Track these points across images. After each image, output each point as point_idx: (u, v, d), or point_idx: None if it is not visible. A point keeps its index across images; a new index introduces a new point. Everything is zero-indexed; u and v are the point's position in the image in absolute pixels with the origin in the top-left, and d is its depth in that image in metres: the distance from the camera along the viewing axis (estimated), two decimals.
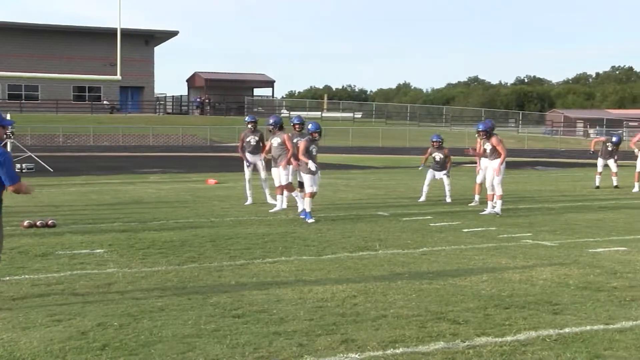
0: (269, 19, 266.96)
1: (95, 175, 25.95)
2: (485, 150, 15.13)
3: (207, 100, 67.72)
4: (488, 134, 14.94)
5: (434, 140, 17.45)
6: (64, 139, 47.92)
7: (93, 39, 61.50)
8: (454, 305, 7.15)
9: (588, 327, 6.32)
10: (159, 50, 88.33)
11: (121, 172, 27.73)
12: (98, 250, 10.16)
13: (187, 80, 75.62)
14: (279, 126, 15.12)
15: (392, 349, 5.73)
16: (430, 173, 17.29)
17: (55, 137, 47.91)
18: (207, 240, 11.16)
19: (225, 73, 75.20)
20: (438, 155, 17.23)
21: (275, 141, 14.97)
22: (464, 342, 5.92)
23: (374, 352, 5.65)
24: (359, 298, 7.45)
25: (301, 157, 13.62)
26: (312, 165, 13.46)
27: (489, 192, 14.81)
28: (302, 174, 13.84)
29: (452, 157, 17.89)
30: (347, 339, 5.98)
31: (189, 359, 5.48)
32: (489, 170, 15.30)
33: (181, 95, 75.10)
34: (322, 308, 7.04)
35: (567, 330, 6.24)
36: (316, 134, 13.88)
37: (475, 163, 16.95)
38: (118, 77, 17.05)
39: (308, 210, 13.47)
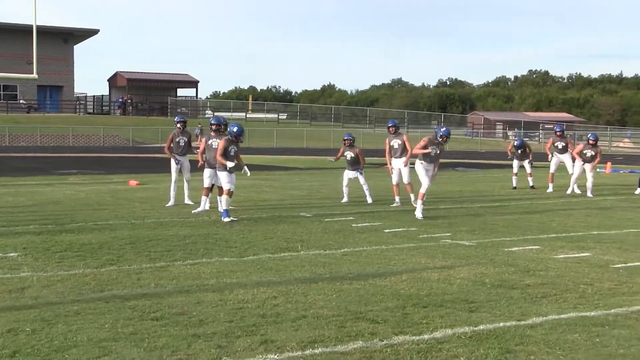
0: (193, 18, 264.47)
1: (10, 176, 25.18)
2: (392, 147, 16.31)
3: (129, 100, 66.67)
4: (397, 129, 16.43)
5: (345, 138, 17.59)
6: None
7: (8, 36, 59.73)
8: (373, 304, 7.23)
9: (501, 324, 6.48)
10: (79, 48, 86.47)
11: (38, 173, 27.01)
12: (11, 254, 9.88)
13: (108, 80, 74.26)
14: (220, 128, 14.97)
15: (311, 349, 5.76)
16: (345, 173, 17.42)
17: None
18: (126, 242, 10.99)
19: (147, 73, 74.21)
20: (349, 154, 17.33)
21: (214, 143, 14.76)
22: (382, 341, 6.00)
23: (292, 353, 5.67)
24: (280, 299, 7.46)
25: (218, 157, 13.67)
26: (229, 165, 13.58)
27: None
28: (218, 172, 13.92)
29: (369, 158, 18.07)
30: (266, 340, 5.99)
31: None
32: (404, 169, 16.12)
33: (102, 95, 73.77)
34: (242, 309, 7.01)
35: (481, 327, 6.39)
36: (240, 137, 13.95)
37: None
38: (34, 75, 16.59)
39: (225, 208, 13.52)
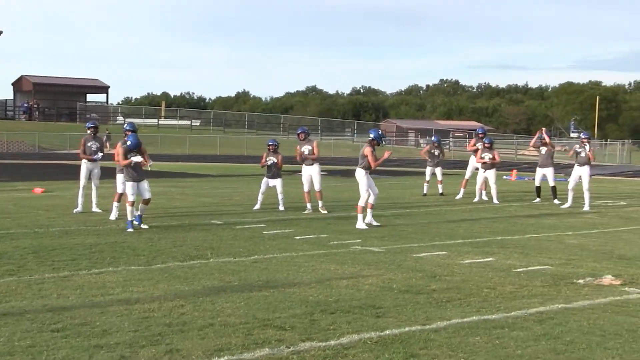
0: (103, 22, 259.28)
1: None
2: (303, 153, 16.62)
3: (35, 105, 64.74)
4: (307, 135, 16.83)
5: (269, 144, 17.58)
6: None
7: None
8: (281, 311, 7.23)
9: (407, 329, 6.59)
10: None
11: None
12: None
13: (13, 84, 71.87)
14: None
15: (217, 358, 5.72)
16: (264, 181, 17.35)
17: None
18: (28, 252, 10.66)
19: (55, 77, 72.33)
20: (272, 160, 17.30)
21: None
22: (289, 347, 6.00)
23: None
24: (187, 307, 7.37)
25: (122, 162, 13.50)
26: (135, 159, 13.42)
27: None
28: (126, 182, 13.60)
29: (288, 165, 18.11)
30: (171, 349, 5.91)
31: None
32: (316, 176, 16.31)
33: (6, 100, 71.29)
34: (148, 319, 6.90)
35: (387, 332, 6.47)
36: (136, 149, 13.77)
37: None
38: None
39: (130, 218, 13.28)
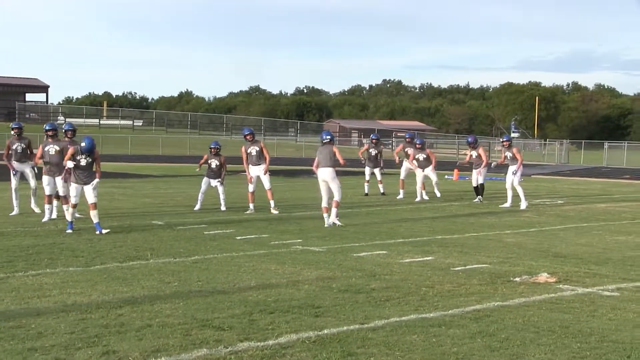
0: (42, 20, 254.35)
1: None
2: (250, 154, 16.66)
3: None
4: (254, 136, 16.97)
5: (212, 147, 17.57)
6: None
7: None
8: (220, 312, 7.22)
9: (345, 328, 6.65)
10: None
11: None
12: None
13: None
14: (56, 133, 14.58)
15: (154, 359, 5.69)
16: (205, 181, 17.31)
17: None
18: None
19: None
20: (214, 162, 17.30)
21: (52, 149, 14.30)
22: (227, 347, 6.01)
23: None
24: (125, 308, 7.31)
25: (65, 162, 13.20)
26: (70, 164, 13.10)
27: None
28: (69, 185, 13.30)
29: (230, 165, 18.07)
30: (108, 351, 5.86)
31: None
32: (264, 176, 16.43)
33: None
34: (84, 320, 6.83)
35: (325, 331, 6.52)
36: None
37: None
38: None
39: (70, 219, 13.06)
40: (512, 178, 18.74)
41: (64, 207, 13.80)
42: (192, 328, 6.60)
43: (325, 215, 14.52)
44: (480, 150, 20.34)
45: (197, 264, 9.99)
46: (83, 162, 13.10)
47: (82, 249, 11.02)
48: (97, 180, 13.20)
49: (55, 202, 14.54)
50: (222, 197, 17.20)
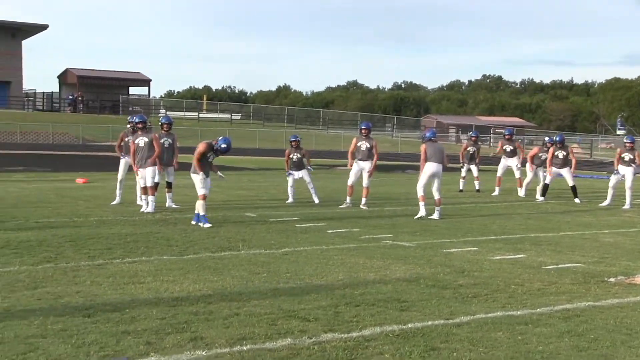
0: (147, 16, 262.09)
1: None
2: (359, 148, 16.44)
3: (80, 98, 65.76)
4: (369, 132, 16.64)
5: (292, 140, 17.77)
6: None
7: None
8: (306, 303, 7.32)
9: (429, 323, 6.62)
10: (28, 44, 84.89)
11: None
12: None
13: (58, 77, 73.09)
14: (145, 125, 15.01)
15: (239, 346, 5.82)
16: (290, 176, 17.52)
17: None
18: (66, 240, 10.92)
19: (99, 70, 73.33)
20: (296, 155, 17.51)
21: (141, 141, 14.79)
22: (311, 338, 6.08)
23: (220, 349, 5.73)
24: (214, 297, 7.50)
25: (196, 161, 13.12)
26: (220, 174, 13.66)
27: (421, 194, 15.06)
28: (192, 175, 13.34)
29: (322, 159, 18.24)
30: (196, 337, 6.03)
31: (30, 359, 5.37)
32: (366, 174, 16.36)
33: (52, 92, 72.54)
34: (175, 307, 7.04)
35: (410, 325, 6.51)
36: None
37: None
38: None
39: (202, 213, 12.99)
40: (621, 179, 18.11)
41: (150, 197, 14.28)
42: (278, 318, 6.71)
43: (422, 203, 14.80)
44: (570, 150, 19.79)
45: (287, 255, 10.13)
46: (210, 159, 13.34)
47: (176, 239, 11.35)
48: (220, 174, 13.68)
49: (152, 197, 14.85)
50: (311, 187, 17.37)
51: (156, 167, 14.65)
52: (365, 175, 16.57)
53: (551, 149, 19.55)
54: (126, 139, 16.04)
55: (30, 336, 5.93)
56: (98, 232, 11.78)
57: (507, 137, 21.99)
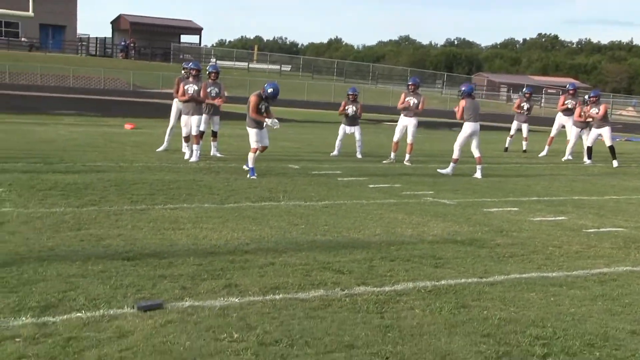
0: None
1: (5, 114, 25.27)
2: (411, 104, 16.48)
3: (132, 44, 66.27)
4: (416, 87, 16.68)
5: (350, 93, 17.67)
6: None
7: None
8: (342, 256, 7.38)
9: (462, 280, 6.64)
10: None
11: (34, 112, 27.08)
12: None
13: (111, 23, 73.77)
14: (199, 73, 15.05)
15: (272, 295, 5.92)
16: (342, 127, 17.50)
17: None
18: (111, 184, 11.13)
19: (151, 17, 73.70)
20: (351, 109, 17.42)
21: (191, 87, 14.86)
22: (343, 290, 6.15)
23: (253, 297, 5.83)
24: (251, 246, 7.61)
25: (252, 114, 13.07)
26: (269, 121, 13.06)
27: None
28: (247, 128, 13.27)
29: (375, 114, 18.16)
30: (230, 284, 6.14)
31: (69, 297, 5.55)
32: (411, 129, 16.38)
33: (105, 38, 73.27)
34: (213, 254, 7.17)
35: (442, 282, 6.54)
36: (213, 74, 15.02)
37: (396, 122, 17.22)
38: (30, 13, 16.54)
39: (251, 165, 13.04)
40: None
41: (195, 146, 14.51)
42: (313, 269, 6.79)
43: (453, 165, 15.03)
44: (602, 107, 18.96)
45: (327, 208, 10.19)
46: (263, 109, 13.16)
47: (218, 187, 11.49)
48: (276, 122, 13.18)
49: (196, 145, 14.91)
50: (358, 144, 17.36)
51: (202, 116, 14.77)
52: (410, 131, 16.51)
53: (586, 107, 19.06)
54: (182, 84, 15.95)
55: (72, 275, 6.10)
56: (142, 178, 11.98)
57: (570, 92, 20.87)
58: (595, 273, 7.18)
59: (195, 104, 14.75)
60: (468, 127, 14.80)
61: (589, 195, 13.03)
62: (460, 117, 14.86)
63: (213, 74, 15.47)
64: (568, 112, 20.42)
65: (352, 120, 17.43)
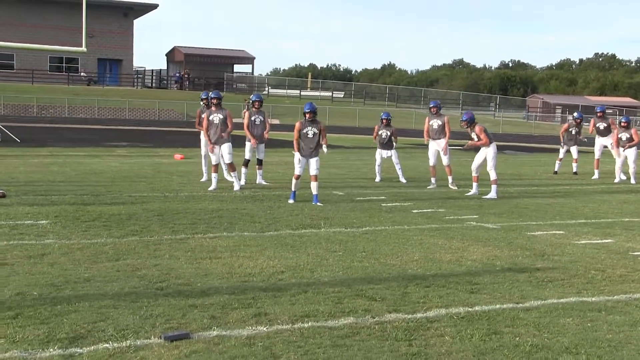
0: None
1: (62, 147, 25.89)
2: (432, 127, 16.59)
3: (185, 75, 67.45)
4: (438, 109, 16.73)
5: (383, 117, 17.65)
6: (38, 110, 47.68)
7: (69, 9, 60.35)
8: (376, 282, 7.31)
9: (497, 306, 6.50)
10: (139, 23, 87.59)
11: (89, 144, 27.67)
12: (42, 222, 10.24)
13: (166, 55, 75.29)
14: (220, 102, 14.98)
15: (300, 323, 5.88)
16: (378, 153, 17.46)
17: (29, 107, 47.65)
18: (154, 214, 11.26)
19: (204, 48, 74.98)
20: (385, 133, 17.39)
21: (216, 117, 14.78)
22: (374, 317, 6.09)
23: (282, 326, 5.80)
24: (286, 274, 7.60)
25: (294, 141, 13.36)
26: (324, 148, 13.39)
27: (474, 174, 15.18)
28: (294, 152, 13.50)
29: (420, 138, 18.06)
30: (260, 313, 6.13)
31: (99, 328, 5.60)
32: (481, 154, 15.69)
33: (160, 69, 74.79)
34: (246, 282, 7.18)
35: (476, 308, 6.42)
36: (309, 114, 13.29)
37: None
38: (83, 49, 16.91)
39: (293, 189, 13.36)
40: None
41: (232, 174, 14.49)
42: (345, 297, 6.73)
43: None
44: (633, 131, 18.89)
45: (366, 234, 10.13)
46: (310, 134, 13.29)
47: (260, 215, 11.53)
48: (325, 148, 13.41)
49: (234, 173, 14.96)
50: (398, 168, 17.30)
51: (230, 143, 14.73)
52: (442, 155, 16.41)
53: (615, 131, 19.08)
54: (202, 115, 16.06)
55: (103, 306, 6.17)
56: (186, 207, 12.10)
57: (598, 114, 20.93)
58: (638, 298, 6.97)
59: (222, 132, 14.67)
60: (494, 147, 14.77)
61: None
62: (487, 141, 14.72)
63: (257, 103, 15.57)
64: (606, 132, 20.30)
65: (386, 145, 17.38)
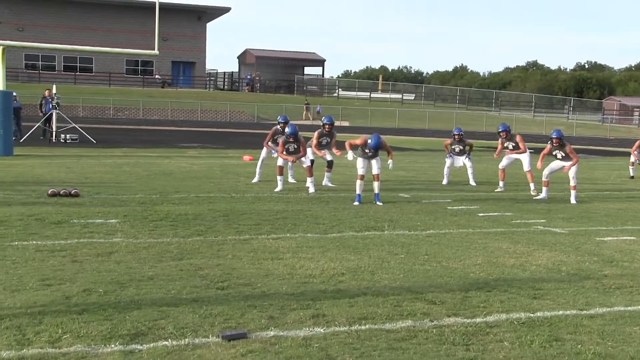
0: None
1: (135, 148, 26.49)
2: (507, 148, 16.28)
3: (257, 78, 68.15)
4: (508, 133, 16.21)
5: (455, 133, 17.28)
6: (114, 112, 48.88)
7: (143, 13, 61.56)
8: (437, 286, 7.25)
9: (560, 312, 6.37)
10: (211, 26, 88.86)
11: (161, 145, 28.24)
12: (111, 221, 10.49)
13: (238, 57, 76.21)
14: (297, 137, 15.06)
15: (358, 325, 5.88)
16: (449, 159, 17.21)
17: (106, 109, 48.90)
18: (220, 215, 11.41)
19: (276, 51, 75.65)
20: (458, 147, 17.14)
21: (291, 146, 14.81)
22: (432, 321, 6.04)
23: (339, 328, 5.81)
24: (346, 276, 7.60)
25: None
26: (350, 155, 13.67)
27: (544, 179, 14.99)
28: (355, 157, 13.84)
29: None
30: (318, 314, 6.15)
31: (159, 326, 5.71)
32: (525, 157, 15.97)
33: (232, 72, 75.74)
34: (306, 284, 7.21)
35: (538, 314, 6.30)
36: (327, 126, 15.02)
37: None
38: (155, 51, 17.36)
39: (358, 192, 13.51)
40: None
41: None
42: (404, 299, 6.70)
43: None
44: None
45: (430, 237, 10.05)
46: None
47: (324, 217, 11.56)
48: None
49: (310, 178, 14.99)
50: (470, 171, 17.07)
51: (311, 149, 15.01)
52: (524, 161, 15.98)
53: None
54: (275, 137, 16.12)
55: (165, 304, 6.29)
56: (251, 208, 12.22)
57: None
58: None
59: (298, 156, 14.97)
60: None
61: None
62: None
63: (327, 126, 15.44)
64: None
65: (460, 153, 17.16)
